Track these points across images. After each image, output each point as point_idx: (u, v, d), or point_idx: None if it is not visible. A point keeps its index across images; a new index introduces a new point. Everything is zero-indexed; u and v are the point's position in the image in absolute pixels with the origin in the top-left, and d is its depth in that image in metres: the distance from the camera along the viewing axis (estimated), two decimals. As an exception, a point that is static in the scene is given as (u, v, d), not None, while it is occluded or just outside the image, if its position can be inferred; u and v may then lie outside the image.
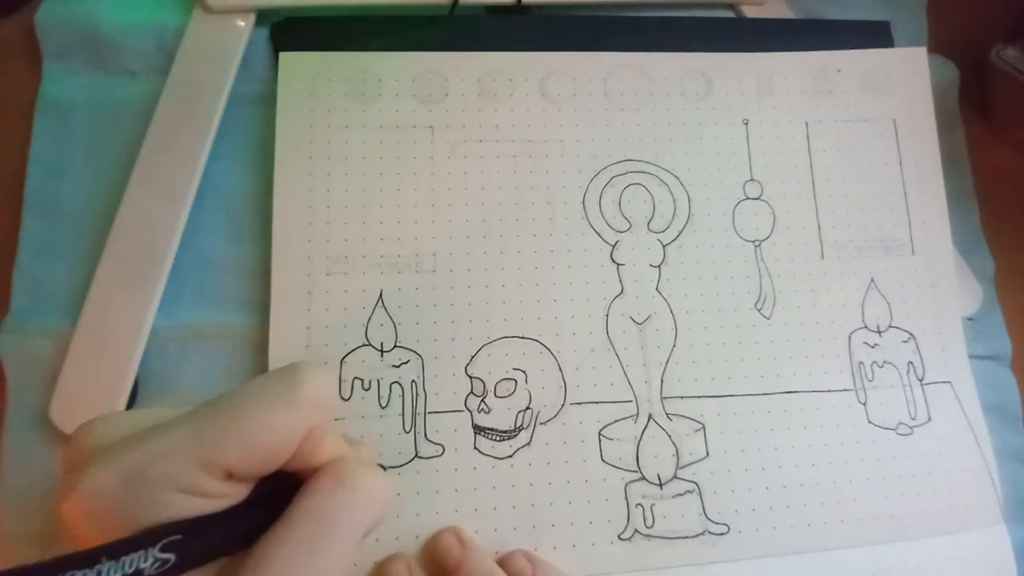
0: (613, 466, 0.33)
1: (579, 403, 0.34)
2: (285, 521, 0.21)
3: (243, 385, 0.22)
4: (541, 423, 0.33)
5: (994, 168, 0.42)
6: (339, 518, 0.22)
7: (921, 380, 0.36)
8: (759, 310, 0.36)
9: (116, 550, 0.18)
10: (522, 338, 0.34)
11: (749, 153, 0.38)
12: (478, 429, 0.33)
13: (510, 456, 0.33)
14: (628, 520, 0.32)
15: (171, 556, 0.19)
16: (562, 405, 0.34)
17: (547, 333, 0.34)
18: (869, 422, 0.35)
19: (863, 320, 0.37)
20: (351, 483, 0.22)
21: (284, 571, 0.20)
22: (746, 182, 0.38)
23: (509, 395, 0.33)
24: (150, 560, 0.19)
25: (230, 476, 0.21)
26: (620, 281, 0.36)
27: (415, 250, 0.35)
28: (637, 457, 0.33)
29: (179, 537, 0.19)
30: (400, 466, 0.32)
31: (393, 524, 0.31)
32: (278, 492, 0.22)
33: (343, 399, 0.32)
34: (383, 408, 0.33)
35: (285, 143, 0.35)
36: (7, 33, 0.38)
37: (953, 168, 0.41)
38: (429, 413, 0.33)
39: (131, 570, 0.18)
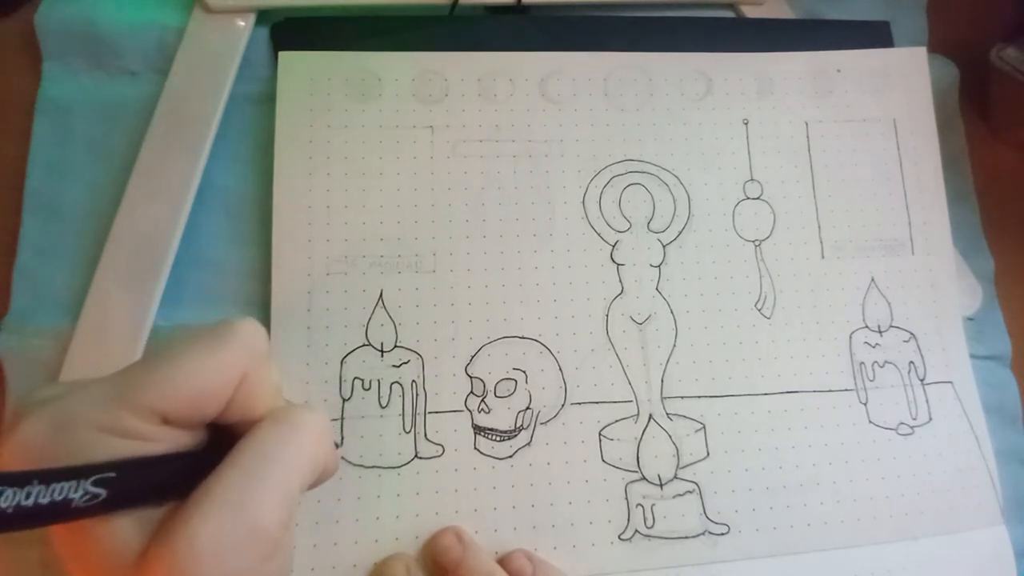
0: (613, 466, 0.33)
1: (579, 403, 0.34)
2: (226, 461, 0.21)
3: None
4: (541, 423, 0.33)
5: (994, 168, 0.42)
6: (278, 454, 0.22)
7: (922, 380, 0.36)
8: (759, 310, 0.36)
9: (49, 476, 0.18)
10: (522, 338, 0.34)
11: (749, 153, 0.38)
12: (478, 429, 0.33)
13: (510, 456, 0.33)
14: (628, 520, 0.32)
15: (102, 492, 0.19)
16: (562, 405, 0.34)
17: (547, 333, 0.34)
18: (870, 422, 0.35)
19: (864, 320, 0.37)
20: (289, 420, 0.23)
21: (221, 506, 0.20)
22: (746, 182, 0.38)
23: (509, 395, 0.33)
24: (80, 492, 0.19)
25: (167, 421, 0.21)
26: (620, 281, 0.36)
27: (415, 250, 0.35)
28: (637, 457, 0.33)
29: (112, 474, 0.19)
30: (400, 466, 0.32)
31: (393, 524, 0.31)
32: (224, 443, 0.22)
33: (343, 399, 0.32)
34: (383, 408, 0.33)
35: (285, 143, 0.35)
36: (7, 33, 0.38)
37: (953, 168, 0.41)
38: (429, 413, 0.33)
39: (60, 497, 0.18)
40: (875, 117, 0.40)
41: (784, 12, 0.42)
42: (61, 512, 0.18)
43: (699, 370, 0.35)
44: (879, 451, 0.35)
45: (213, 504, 0.20)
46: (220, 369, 0.22)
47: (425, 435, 0.33)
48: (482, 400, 0.33)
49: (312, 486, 0.24)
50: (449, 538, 0.30)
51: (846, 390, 0.36)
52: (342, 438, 0.32)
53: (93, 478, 0.19)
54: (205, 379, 0.22)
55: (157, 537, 0.20)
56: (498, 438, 0.33)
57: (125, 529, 0.20)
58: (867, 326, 0.37)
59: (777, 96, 0.39)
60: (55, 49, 0.37)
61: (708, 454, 0.34)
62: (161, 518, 0.21)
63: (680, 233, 0.37)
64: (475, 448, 0.33)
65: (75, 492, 0.19)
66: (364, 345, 0.33)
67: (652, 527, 0.32)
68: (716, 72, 0.39)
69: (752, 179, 0.38)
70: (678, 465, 0.33)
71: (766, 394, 0.35)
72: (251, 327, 0.23)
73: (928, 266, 0.38)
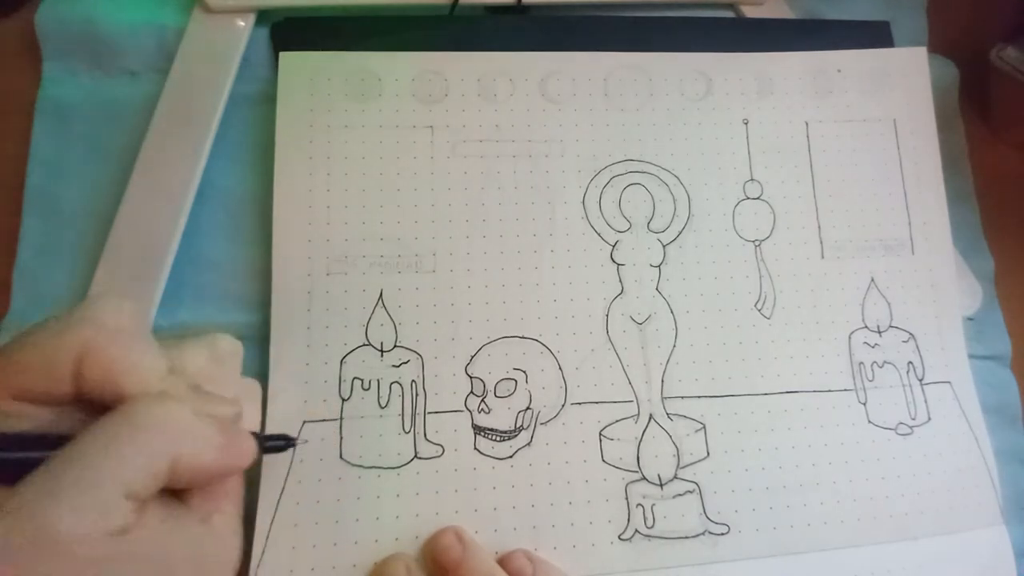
0: (613, 466, 0.33)
1: (579, 403, 0.34)
2: (51, 458, 0.20)
3: None
4: (541, 423, 0.33)
5: (994, 168, 0.42)
6: (96, 453, 0.20)
7: (921, 380, 0.36)
8: (759, 310, 0.36)
9: None
10: (522, 338, 0.34)
11: (749, 153, 0.38)
12: (478, 429, 0.33)
13: (510, 456, 0.33)
14: (628, 520, 0.32)
15: None
16: (562, 405, 0.34)
17: (547, 333, 0.34)
18: (869, 422, 0.35)
19: (863, 320, 0.37)
20: (124, 412, 0.21)
21: (14, 515, 0.19)
22: (746, 182, 0.38)
23: (509, 395, 0.33)
24: None
25: (19, 398, 0.21)
26: (620, 281, 0.36)
27: (415, 250, 0.35)
28: (637, 457, 0.33)
29: None
30: (400, 466, 0.32)
31: (393, 524, 0.31)
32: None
33: (343, 399, 0.32)
34: (383, 408, 0.33)
35: (285, 143, 0.35)
36: (7, 33, 0.38)
37: (953, 168, 0.41)
38: (429, 413, 0.33)
39: None
40: (875, 117, 0.40)
41: (784, 12, 0.42)
42: None
43: (699, 370, 0.35)
44: (878, 451, 0.35)
45: (6, 510, 0.19)
46: (51, 344, 0.21)
47: (425, 435, 0.32)
48: (482, 400, 0.33)
49: (197, 483, 0.22)
50: (449, 538, 0.30)
51: (845, 390, 0.36)
52: (341, 438, 0.32)
53: None
54: (36, 353, 0.21)
55: None
56: (498, 438, 0.33)
57: None
58: (867, 326, 0.37)
59: (777, 96, 0.39)
60: (55, 49, 0.37)
61: (708, 454, 0.34)
62: None
63: (680, 233, 0.37)
64: (475, 448, 0.33)
65: None
66: (364, 345, 0.33)
67: (652, 527, 0.32)
68: (716, 72, 0.39)
69: (752, 179, 0.38)
70: (678, 465, 0.33)
71: (766, 394, 0.35)
72: (106, 303, 0.22)
73: (928, 266, 0.38)
